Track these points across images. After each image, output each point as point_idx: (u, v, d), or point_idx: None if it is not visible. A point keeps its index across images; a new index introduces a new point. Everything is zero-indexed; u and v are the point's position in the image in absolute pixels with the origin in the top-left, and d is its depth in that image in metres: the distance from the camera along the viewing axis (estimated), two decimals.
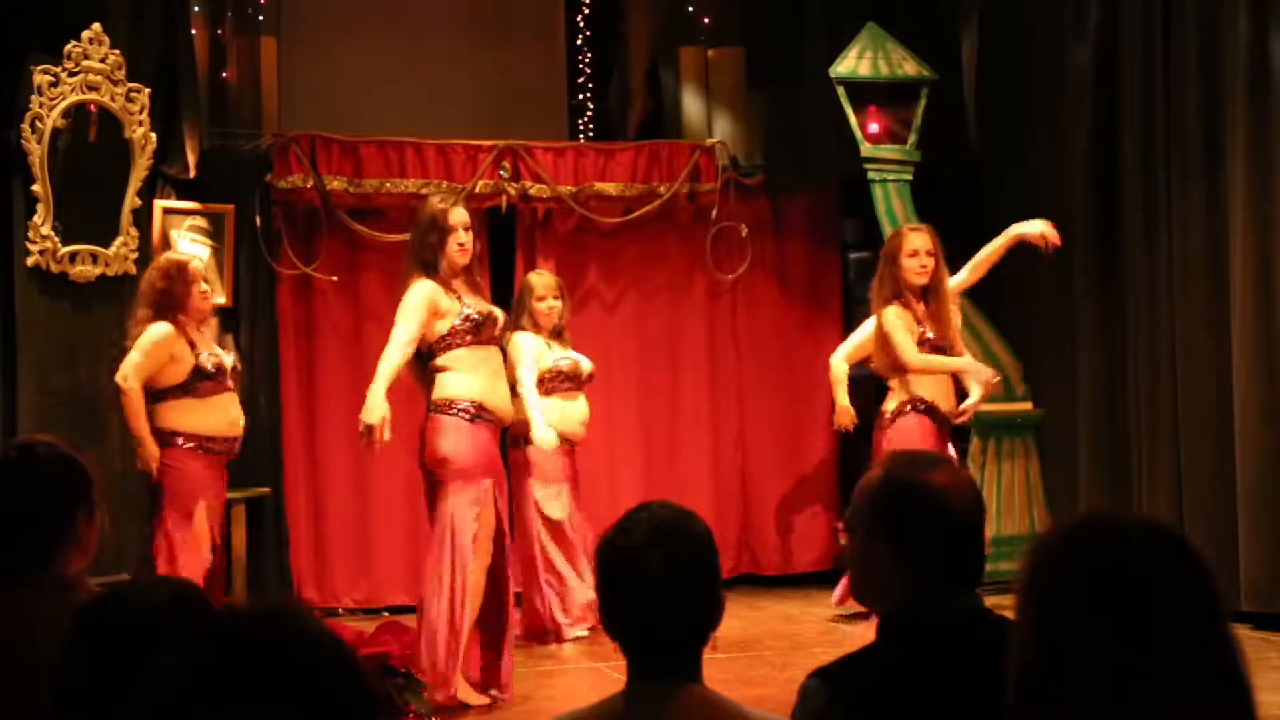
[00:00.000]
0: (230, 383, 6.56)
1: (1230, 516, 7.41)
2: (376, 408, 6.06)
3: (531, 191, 8.97)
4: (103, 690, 2.02)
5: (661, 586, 2.45)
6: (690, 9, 9.58)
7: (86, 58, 7.45)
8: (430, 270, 6.17)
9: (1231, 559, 7.28)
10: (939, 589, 2.50)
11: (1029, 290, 8.83)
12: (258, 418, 8.09)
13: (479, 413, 6.13)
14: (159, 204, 8.20)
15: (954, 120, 9.02)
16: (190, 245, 8.29)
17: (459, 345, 6.16)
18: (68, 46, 7.39)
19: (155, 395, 6.39)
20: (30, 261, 7.34)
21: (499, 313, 6.41)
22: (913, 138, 9.06)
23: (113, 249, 7.59)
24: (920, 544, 2.50)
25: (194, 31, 8.41)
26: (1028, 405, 8.84)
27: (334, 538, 8.74)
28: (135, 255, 7.69)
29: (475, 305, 6.23)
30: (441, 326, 6.16)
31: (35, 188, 7.31)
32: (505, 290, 9.14)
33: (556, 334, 7.91)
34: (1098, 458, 8.35)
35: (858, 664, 2.52)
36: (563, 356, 7.84)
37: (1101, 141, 8.35)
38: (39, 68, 7.31)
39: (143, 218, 7.90)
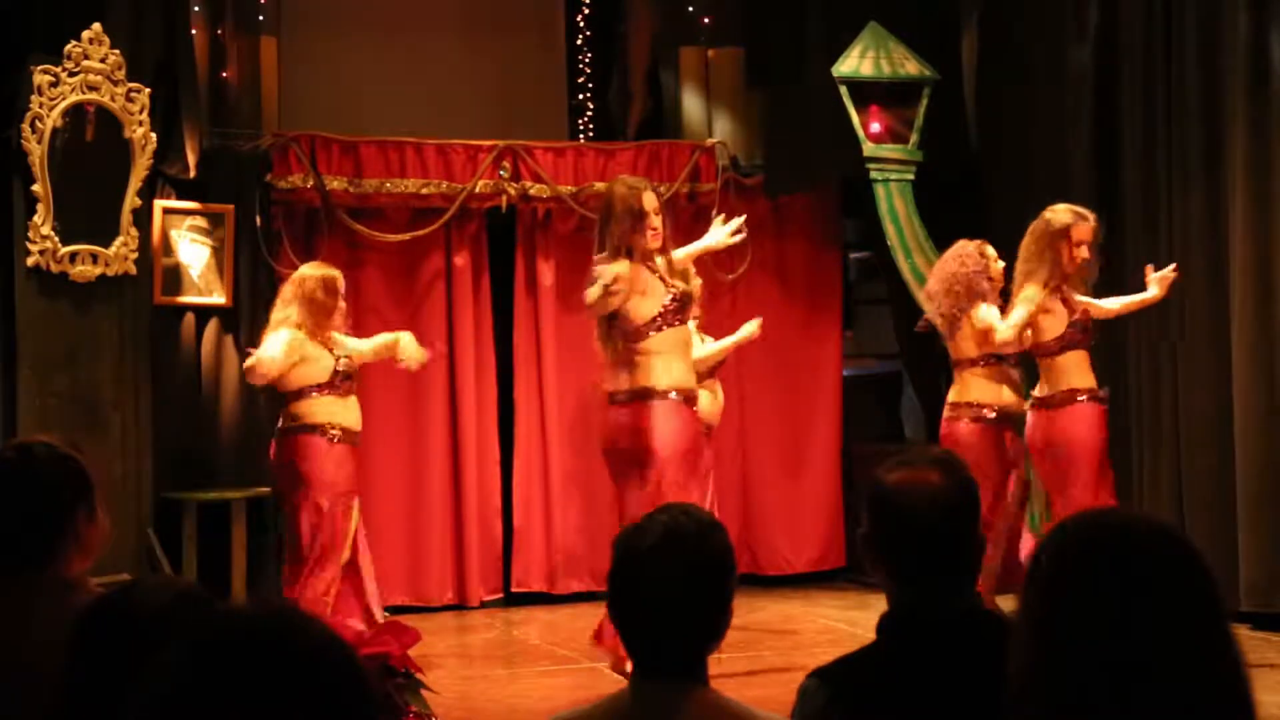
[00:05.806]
0: None
1: (1230, 516, 7.41)
2: None
3: (531, 191, 8.96)
4: (106, 691, 2.02)
5: (670, 591, 2.44)
6: (690, 9, 9.57)
7: (86, 58, 7.44)
8: (627, 254, 6.25)
9: (1231, 559, 7.28)
10: (910, 590, 2.51)
11: None
12: (258, 417, 8.09)
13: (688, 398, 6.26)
14: (159, 204, 8.20)
15: (954, 120, 9.02)
16: (190, 245, 8.29)
17: (665, 326, 6.27)
18: (68, 46, 7.38)
19: (298, 393, 6.71)
20: (30, 261, 7.34)
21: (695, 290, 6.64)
22: (915, 137, 9.05)
23: (113, 249, 7.58)
24: (881, 544, 2.55)
25: (194, 31, 8.41)
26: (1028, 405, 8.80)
27: None
28: (135, 255, 7.69)
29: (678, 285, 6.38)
30: (648, 308, 6.24)
31: (35, 188, 7.31)
32: (506, 291, 9.15)
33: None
34: None
35: (857, 664, 2.52)
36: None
37: (1101, 142, 8.34)
38: (39, 68, 7.31)
39: (143, 218, 7.90)
